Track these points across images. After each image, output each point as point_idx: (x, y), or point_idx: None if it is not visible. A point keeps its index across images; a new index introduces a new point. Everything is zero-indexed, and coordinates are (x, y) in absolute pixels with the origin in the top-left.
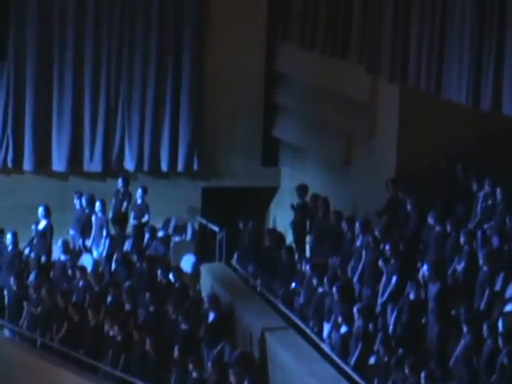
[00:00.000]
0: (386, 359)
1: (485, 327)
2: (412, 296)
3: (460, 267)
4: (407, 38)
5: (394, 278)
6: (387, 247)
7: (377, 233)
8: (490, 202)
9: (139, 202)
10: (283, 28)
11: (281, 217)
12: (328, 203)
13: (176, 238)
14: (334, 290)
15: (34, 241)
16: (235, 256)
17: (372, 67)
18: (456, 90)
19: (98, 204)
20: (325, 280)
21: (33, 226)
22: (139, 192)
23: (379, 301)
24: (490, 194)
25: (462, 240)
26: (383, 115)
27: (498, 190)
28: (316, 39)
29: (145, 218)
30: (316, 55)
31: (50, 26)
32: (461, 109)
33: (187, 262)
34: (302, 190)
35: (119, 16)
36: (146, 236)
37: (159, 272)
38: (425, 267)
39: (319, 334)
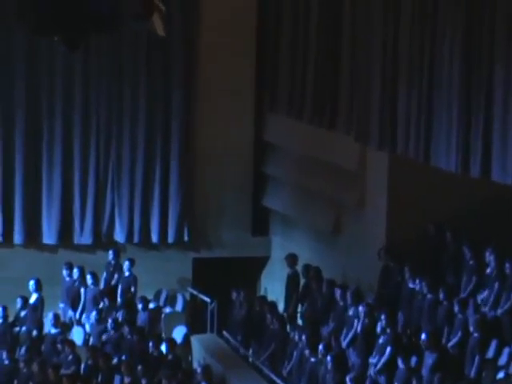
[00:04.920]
0: None
1: None
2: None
3: (455, 338)
4: (395, 106)
5: (389, 349)
6: (382, 317)
7: (372, 302)
8: (488, 271)
9: (127, 274)
10: (271, 98)
11: (272, 286)
12: (320, 273)
13: (167, 310)
14: (329, 359)
15: (22, 314)
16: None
17: (360, 136)
18: (445, 157)
19: (88, 276)
20: (319, 349)
21: (18, 300)
22: (126, 264)
23: (372, 370)
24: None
25: (455, 309)
26: (372, 184)
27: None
28: (304, 109)
29: (131, 291)
30: (304, 125)
31: (39, 100)
32: (450, 176)
33: (178, 334)
34: (291, 259)
35: (107, 89)
36: (139, 307)
37: (151, 344)
38: (423, 336)
39: None
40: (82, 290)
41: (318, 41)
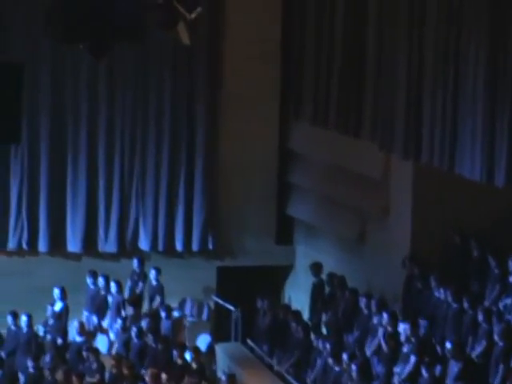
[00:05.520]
0: None
1: None
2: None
3: (479, 347)
4: (420, 115)
5: (413, 358)
6: (407, 326)
7: (396, 311)
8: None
9: (154, 283)
10: (296, 106)
11: (295, 295)
12: (345, 282)
13: (191, 318)
14: (353, 368)
15: (50, 322)
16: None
17: (385, 144)
18: (469, 166)
19: (113, 284)
20: (343, 358)
21: (48, 307)
22: (153, 273)
23: (397, 379)
24: None
25: (480, 318)
26: (397, 192)
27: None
28: (329, 117)
29: (157, 301)
30: (329, 133)
31: (64, 108)
32: (475, 185)
33: (202, 342)
34: (315, 267)
35: (132, 97)
36: (163, 315)
37: (175, 352)
38: (447, 345)
39: None
40: (109, 298)
41: (343, 49)
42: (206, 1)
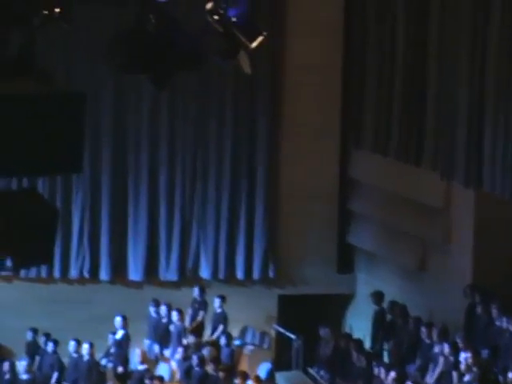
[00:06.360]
0: None
1: None
2: None
3: None
4: (481, 143)
5: None
6: (468, 355)
7: (458, 340)
8: None
9: (218, 311)
10: (356, 134)
11: (357, 323)
12: (406, 310)
13: (252, 347)
14: None
15: (111, 351)
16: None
17: (446, 173)
18: None
19: (174, 313)
20: None
21: (110, 336)
22: (217, 302)
23: None
24: None
25: None
26: (458, 221)
27: None
28: (389, 146)
29: (220, 329)
30: (389, 161)
31: (125, 136)
32: None
33: (263, 370)
34: (376, 296)
35: (192, 129)
36: (222, 342)
37: (236, 381)
38: (510, 374)
39: None
40: (172, 326)
41: (404, 78)
42: (267, 29)
